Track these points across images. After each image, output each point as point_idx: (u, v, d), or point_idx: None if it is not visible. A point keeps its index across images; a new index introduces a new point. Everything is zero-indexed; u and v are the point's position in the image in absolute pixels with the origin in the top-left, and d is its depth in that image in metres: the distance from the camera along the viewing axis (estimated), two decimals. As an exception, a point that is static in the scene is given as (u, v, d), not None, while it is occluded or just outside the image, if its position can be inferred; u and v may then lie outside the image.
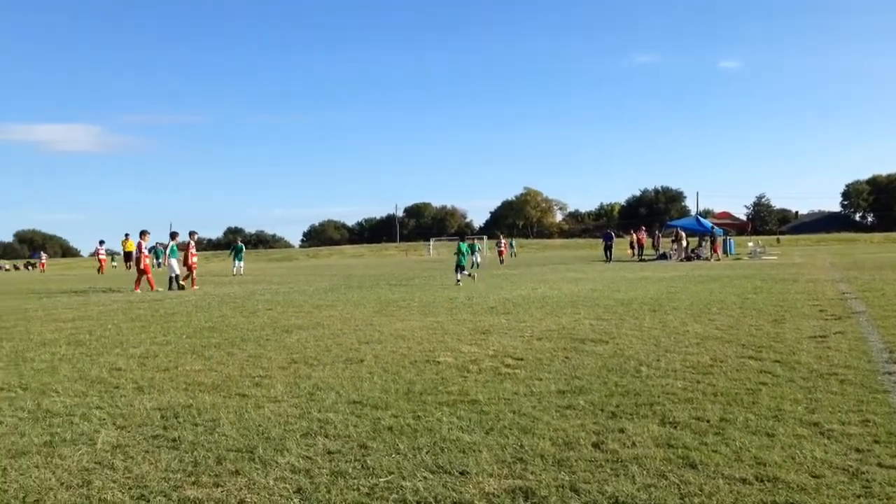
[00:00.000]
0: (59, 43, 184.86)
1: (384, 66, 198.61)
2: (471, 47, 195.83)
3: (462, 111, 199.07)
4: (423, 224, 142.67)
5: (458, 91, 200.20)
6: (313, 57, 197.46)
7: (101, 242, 46.66)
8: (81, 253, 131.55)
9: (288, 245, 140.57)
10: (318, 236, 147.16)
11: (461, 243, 22.02)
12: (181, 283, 21.79)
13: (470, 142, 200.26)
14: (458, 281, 20.91)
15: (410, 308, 13.36)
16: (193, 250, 23.25)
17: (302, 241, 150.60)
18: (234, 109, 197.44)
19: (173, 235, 22.57)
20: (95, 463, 4.28)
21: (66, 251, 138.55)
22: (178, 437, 4.77)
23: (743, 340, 8.37)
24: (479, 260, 32.01)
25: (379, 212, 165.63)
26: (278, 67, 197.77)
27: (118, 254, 54.84)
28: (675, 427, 4.77)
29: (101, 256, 44.69)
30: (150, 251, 22.23)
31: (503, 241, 45.33)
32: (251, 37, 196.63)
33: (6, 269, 67.15)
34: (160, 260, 32.16)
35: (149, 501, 3.66)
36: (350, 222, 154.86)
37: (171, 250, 21.96)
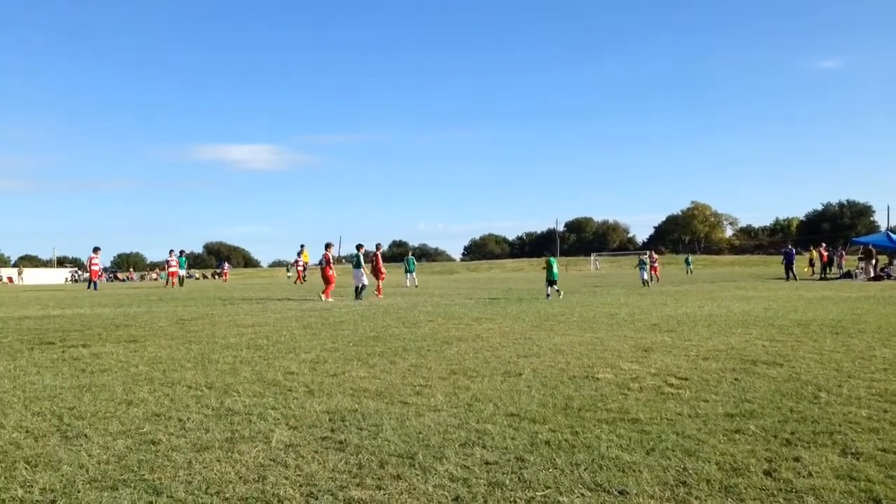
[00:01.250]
0: (247, 71, 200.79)
1: (549, 78, 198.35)
2: (632, 58, 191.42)
3: (626, 124, 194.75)
4: (584, 238, 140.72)
5: (623, 103, 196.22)
6: (476, 76, 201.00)
7: (173, 252, 38.51)
8: (261, 264, 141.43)
9: (449, 258, 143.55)
10: (479, 250, 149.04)
11: (550, 258, 22.60)
12: (367, 292, 22.76)
13: (634, 155, 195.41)
14: (549, 295, 20.81)
15: (570, 323, 13.21)
16: (381, 262, 24.58)
17: (463, 254, 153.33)
18: (402, 128, 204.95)
19: (359, 247, 23.77)
20: (270, 460, 4.57)
21: (248, 262, 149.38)
22: (345, 440, 4.99)
23: (941, 368, 7.56)
24: (646, 276, 30.90)
25: (539, 226, 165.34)
26: (442, 86, 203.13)
27: (293, 264, 57.14)
28: (858, 458, 4.39)
29: (171, 268, 37.74)
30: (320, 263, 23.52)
31: (655, 256, 41.83)
32: (416, 60, 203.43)
33: (196, 278, 73.21)
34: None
35: (317, 499, 3.86)
36: (510, 236, 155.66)
37: (358, 261, 23.09)
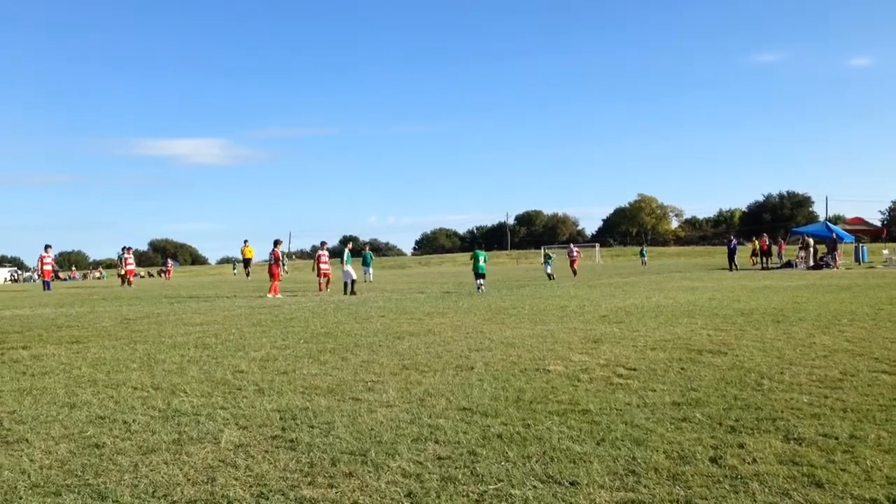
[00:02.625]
0: (189, 63, 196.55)
1: (495, 74, 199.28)
2: (581, 51, 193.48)
3: (574, 117, 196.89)
4: (534, 231, 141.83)
5: (569, 96, 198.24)
6: (424, 69, 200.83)
7: (128, 249, 36.47)
8: (209, 260, 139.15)
9: (400, 253, 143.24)
10: (430, 244, 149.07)
11: (477, 251, 22.55)
12: (353, 288, 22.80)
13: (582, 148, 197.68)
14: (479, 288, 20.98)
15: (521, 316, 13.31)
16: (324, 258, 24.61)
17: (414, 248, 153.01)
18: (348, 122, 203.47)
19: (345, 242, 24.09)
20: (219, 461, 4.50)
21: (196, 259, 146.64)
22: (296, 439, 4.95)
23: (876, 354, 7.84)
24: (549, 270, 31.07)
25: (490, 220, 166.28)
26: (392, 79, 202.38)
27: (238, 260, 55.89)
28: (800, 444, 4.52)
29: (129, 266, 35.50)
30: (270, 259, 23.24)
31: (575, 250, 37.50)
32: (365, 49, 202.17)
33: (140, 276, 71.64)
34: (286, 267, 32.96)
35: (268, 499, 3.81)
36: (461, 230, 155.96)
37: (347, 257, 23.37)
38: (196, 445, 4.85)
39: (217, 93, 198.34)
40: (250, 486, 4.00)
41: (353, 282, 22.69)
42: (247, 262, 41.76)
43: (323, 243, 26.11)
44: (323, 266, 24.53)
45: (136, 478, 4.20)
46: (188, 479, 4.15)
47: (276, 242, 23.61)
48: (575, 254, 36.36)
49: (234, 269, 66.75)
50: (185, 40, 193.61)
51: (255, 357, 8.76)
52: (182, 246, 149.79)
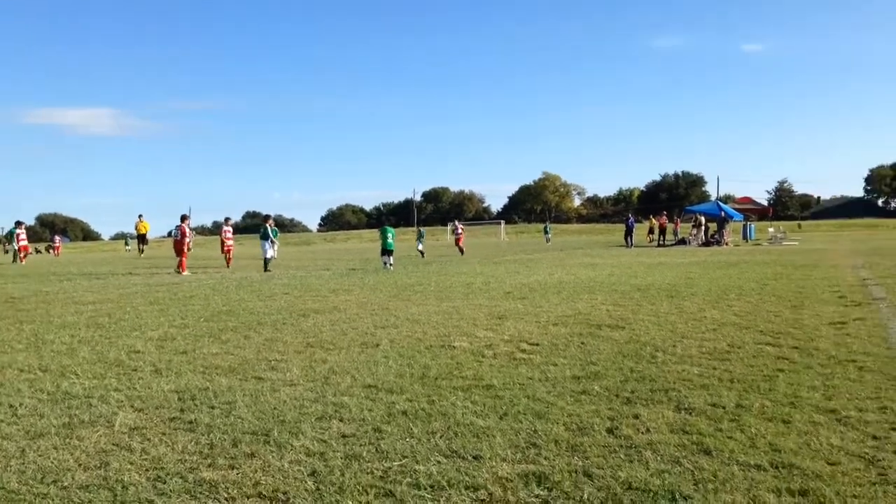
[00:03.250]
0: (81, 28, 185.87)
1: (403, 50, 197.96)
2: (489, 30, 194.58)
3: (481, 95, 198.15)
4: (441, 208, 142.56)
5: (476, 74, 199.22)
6: (334, 42, 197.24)
7: (20, 223, 34.34)
8: (103, 236, 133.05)
9: (306, 229, 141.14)
10: (336, 220, 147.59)
11: (385, 227, 22.54)
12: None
13: (489, 126, 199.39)
14: (386, 264, 21.06)
15: (426, 293, 13.38)
16: (229, 234, 23.91)
17: (320, 225, 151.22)
18: (253, 95, 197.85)
19: (266, 218, 23.07)
20: (113, 445, 4.33)
21: (88, 235, 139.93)
22: (195, 420, 4.81)
23: (761, 327, 8.31)
24: (421, 247, 31.41)
25: (397, 196, 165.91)
26: (298, 53, 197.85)
27: (133, 236, 53.33)
28: (691, 413, 4.75)
29: (21, 242, 33.42)
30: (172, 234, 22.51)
31: (460, 227, 35.45)
32: (267, 23, 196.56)
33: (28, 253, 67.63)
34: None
35: (165, 483, 3.70)
36: (368, 206, 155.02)
37: (268, 233, 22.37)
38: (88, 429, 4.65)
39: (111, 61, 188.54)
40: (146, 470, 3.87)
41: (271, 258, 22.14)
42: (142, 238, 39.91)
43: (227, 219, 25.43)
44: (228, 242, 23.96)
45: (24, 463, 4.00)
46: (80, 464, 3.97)
47: (183, 217, 22.95)
48: (460, 231, 34.56)
49: (126, 245, 64.07)
50: (77, 5, 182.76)
51: (152, 337, 8.46)
52: (73, 221, 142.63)
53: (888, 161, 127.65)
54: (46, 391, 5.73)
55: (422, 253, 30.64)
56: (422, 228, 38.79)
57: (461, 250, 32.60)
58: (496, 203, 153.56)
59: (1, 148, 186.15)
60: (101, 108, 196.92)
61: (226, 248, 24.25)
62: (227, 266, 23.70)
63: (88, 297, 13.61)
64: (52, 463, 4.00)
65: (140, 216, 38.57)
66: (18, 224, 34.07)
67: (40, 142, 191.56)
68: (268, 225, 22.67)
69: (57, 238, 60.90)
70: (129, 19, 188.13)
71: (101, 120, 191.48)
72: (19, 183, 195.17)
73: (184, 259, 22.11)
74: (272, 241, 22.21)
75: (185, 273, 21.14)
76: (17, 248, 32.92)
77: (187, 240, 22.92)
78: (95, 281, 18.78)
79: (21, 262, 32.04)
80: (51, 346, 7.88)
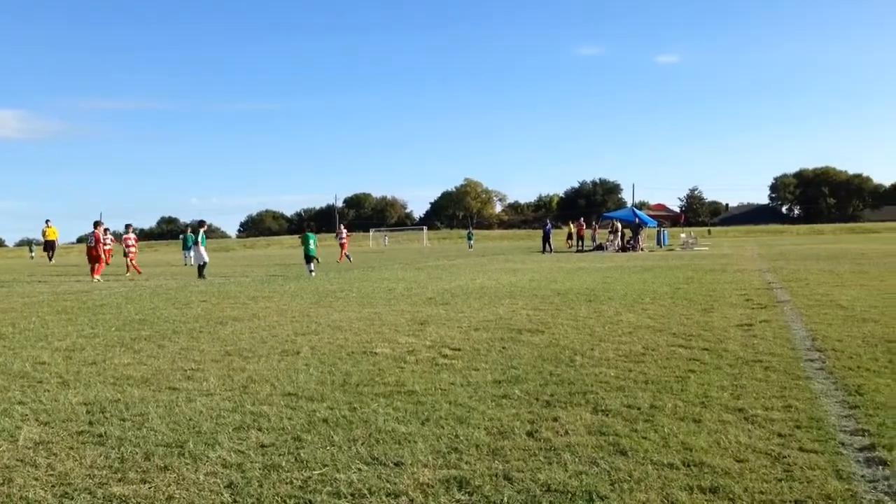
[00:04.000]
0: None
1: (322, 52, 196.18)
2: (409, 36, 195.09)
3: (402, 100, 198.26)
4: (364, 214, 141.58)
5: (397, 80, 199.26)
6: (250, 40, 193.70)
7: None
8: (6, 243, 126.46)
9: (225, 235, 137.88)
10: (256, 227, 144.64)
11: (307, 234, 22.41)
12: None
13: (410, 132, 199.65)
14: (311, 272, 21.04)
15: (348, 299, 13.27)
16: (130, 241, 23.52)
17: (239, 231, 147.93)
18: (169, 95, 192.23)
19: (201, 223, 22.75)
20: (17, 460, 4.12)
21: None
22: (105, 433, 4.63)
23: (674, 329, 8.58)
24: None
25: (318, 202, 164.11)
26: (215, 52, 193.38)
27: (37, 242, 50.81)
28: (607, 415, 4.86)
29: None
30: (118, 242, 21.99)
31: (345, 232, 33.42)
32: (186, 19, 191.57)
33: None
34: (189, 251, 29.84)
35: (72, 499, 3.54)
36: (289, 212, 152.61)
37: (202, 238, 22.20)
38: (-12, 446, 4.41)
39: (17, 59, 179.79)
40: (52, 486, 3.70)
41: (204, 264, 21.69)
42: (50, 245, 38.09)
43: (128, 226, 25.12)
44: (131, 250, 23.64)
45: (-86, 486, 3.75)
46: (-22, 484, 3.76)
47: (97, 224, 22.31)
48: (344, 237, 32.95)
49: (31, 251, 61.15)
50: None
51: (60, 347, 8.10)
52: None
53: (791, 170, 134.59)
54: (-58, 406, 5.41)
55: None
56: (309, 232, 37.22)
57: (346, 256, 31.41)
58: (419, 209, 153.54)
59: None
60: (6, 109, 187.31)
61: (130, 256, 23.93)
62: (128, 272, 23.18)
63: (-11, 307, 12.92)
64: (-52, 482, 3.78)
65: (47, 221, 36.73)
66: None
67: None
68: (202, 230, 22.43)
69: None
70: (36, 18, 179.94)
71: (5, 122, 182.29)
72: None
73: (99, 266, 21.58)
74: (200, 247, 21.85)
75: (97, 280, 20.44)
76: None
77: (104, 246, 22.34)
78: (-3, 289, 17.85)
79: None
80: (-53, 359, 7.44)
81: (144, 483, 3.73)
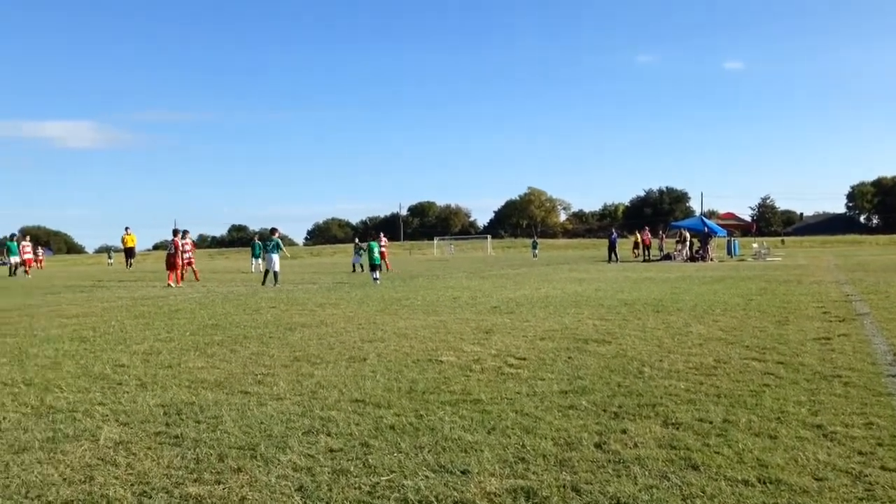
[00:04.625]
0: (63, 41, 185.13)
1: (390, 65, 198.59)
2: (474, 46, 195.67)
3: (468, 110, 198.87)
4: (427, 223, 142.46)
5: (462, 90, 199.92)
6: (318, 55, 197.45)
7: (28, 236, 35.43)
8: (87, 249, 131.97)
9: (292, 243, 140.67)
10: (322, 234, 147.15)
11: (371, 242, 22.68)
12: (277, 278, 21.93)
13: (475, 141, 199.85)
14: (376, 279, 21.10)
15: (414, 307, 13.36)
16: (188, 247, 24.01)
17: (306, 239, 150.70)
18: (237, 107, 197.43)
19: (273, 231, 22.67)
20: (98, 459, 4.29)
21: (72, 248, 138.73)
22: (181, 434, 4.78)
23: (747, 342, 8.35)
24: (359, 261, 31.17)
25: (383, 210, 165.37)
26: (282, 65, 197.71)
27: (116, 249, 52.59)
28: (678, 428, 4.76)
29: (26, 255, 33.52)
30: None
31: (384, 240, 31.78)
32: (252, 34, 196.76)
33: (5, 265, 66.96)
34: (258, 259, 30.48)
35: (150, 498, 3.67)
36: (354, 220, 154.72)
37: (275, 245, 22.03)
38: (72, 443, 4.61)
39: (93, 73, 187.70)
40: (132, 485, 3.84)
41: (276, 272, 21.82)
42: (129, 252, 39.52)
43: (185, 232, 25.49)
44: (187, 255, 24.07)
45: (8, 478, 3.96)
46: (64, 479, 3.93)
47: (175, 232, 23.17)
48: (383, 245, 31.54)
49: (109, 258, 63.54)
50: (58, 17, 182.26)
51: (138, 350, 8.40)
52: (56, 234, 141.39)
53: (869, 178, 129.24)
54: (30, 405, 5.68)
55: (355, 267, 30.87)
56: (361, 243, 37.47)
57: (387, 266, 30.85)
58: (482, 217, 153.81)
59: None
60: (83, 120, 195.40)
61: (186, 262, 24.23)
62: (182, 280, 23.32)
63: (72, 311, 13.50)
64: (37, 478, 3.96)
65: (127, 229, 38.22)
66: (13, 237, 33.84)
67: (21, 154, 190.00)
68: (277, 238, 22.34)
69: (40, 250, 60.33)
70: (109, 34, 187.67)
71: (83, 133, 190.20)
72: (4, 195, 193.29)
73: (176, 273, 22.27)
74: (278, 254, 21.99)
75: (172, 286, 21.13)
76: (17, 262, 32.48)
77: (184, 254, 23.05)
78: (79, 294, 18.63)
79: (26, 274, 31.71)
80: (35, 360, 7.80)
81: (219, 484, 3.83)
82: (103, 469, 4.10)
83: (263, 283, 21.59)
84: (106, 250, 78.86)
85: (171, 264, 22.56)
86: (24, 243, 33.07)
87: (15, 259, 32.57)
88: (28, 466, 4.15)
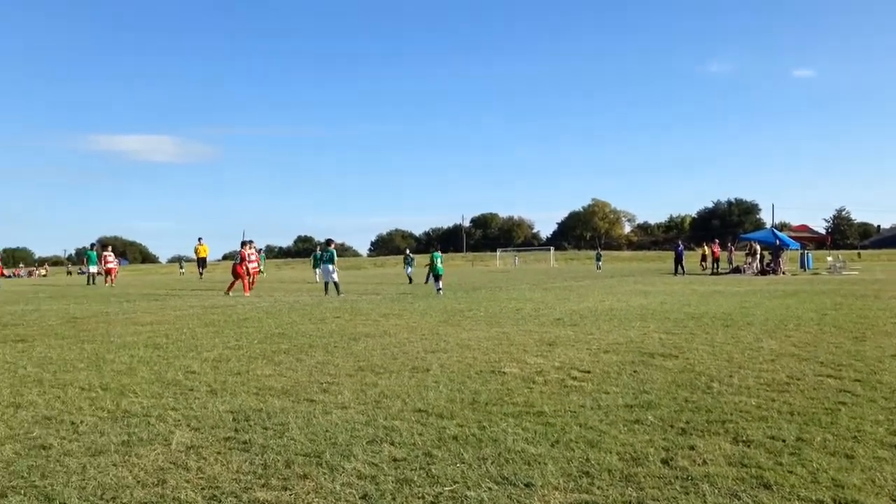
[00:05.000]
0: (138, 55, 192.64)
1: (453, 76, 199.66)
2: (540, 56, 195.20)
3: (531, 121, 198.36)
4: (490, 234, 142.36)
5: (525, 101, 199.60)
6: (386, 69, 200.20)
7: (108, 246, 36.92)
8: (160, 259, 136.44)
9: (356, 254, 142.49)
10: (386, 245, 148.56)
11: (434, 253, 22.96)
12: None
13: (538, 152, 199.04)
14: (439, 290, 21.08)
15: (476, 318, 13.36)
16: (253, 257, 24.43)
17: (370, 249, 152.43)
18: (302, 120, 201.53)
19: (329, 242, 22.86)
20: (170, 463, 4.42)
21: (146, 257, 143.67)
22: (249, 440, 4.88)
23: (821, 358, 8.07)
24: (410, 271, 32.46)
25: (446, 221, 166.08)
26: (347, 78, 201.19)
27: (188, 259, 54.04)
28: (749, 446, 4.63)
29: (109, 264, 33.91)
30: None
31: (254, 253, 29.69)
32: (317, 49, 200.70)
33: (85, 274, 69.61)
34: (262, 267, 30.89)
35: (220, 502, 3.76)
36: (417, 232, 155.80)
37: (330, 257, 22.20)
38: (146, 447, 4.76)
39: (168, 89, 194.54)
40: (202, 489, 3.94)
41: (334, 283, 21.84)
42: (201, 262, 40.66)
43: (250, 242, 25.85)
44: (251, 265, 24.45)
45: (84, 480, 4.11)
46: (138, 482, 4.07)
47: (244, 243, 23.97)
48: (253, 258, 30.71)
49: (181, 267, 65.52)
50: (136, 35, 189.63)
51: (208, 357, 8.63)
52: (132, 244, 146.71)
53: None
54: (107, 409, 5.89)
55: (410, 279, 31.31)
56: (411, 254, 37.89)
57: (426, 280, 28.39)
58: (546, 229, 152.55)
59: (66, 172, 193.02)
60: (159, 134, 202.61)
61: (252, 272, 24.56)
62: (250, 288, 23.65)
63: (146, 318, 13.97)
64: (112, 480, 4.11)
65: (200, 239, 39.31)
66: (92, 247, 35.18)
67: (100, 167, 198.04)
68: (332, 249, 22.43)
69: (117, 260, 62.60)
70: (183, 52, 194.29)
71: (159, 146, 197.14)
72: (82, 206, 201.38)
73: (243, 282, 22.94)
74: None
75: (241, 295, 21.70)
76: (96, 271, 33.70)
77: (251, 265, 23.59)
78: (153, 302, 19.27)
79: (110, 283, 32.77)
80: (111, 366, 8.10)
81: (285, 490, 3.91)
82: (175, 473, 4.23)
83: (326, 292, 21.89)
84: (178, 260, 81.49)
85: (235, 274, 23.25)
86: (105, 253, 34.24)
87: (93, 268, 33.80)
88: (104, 469, 4.31)
